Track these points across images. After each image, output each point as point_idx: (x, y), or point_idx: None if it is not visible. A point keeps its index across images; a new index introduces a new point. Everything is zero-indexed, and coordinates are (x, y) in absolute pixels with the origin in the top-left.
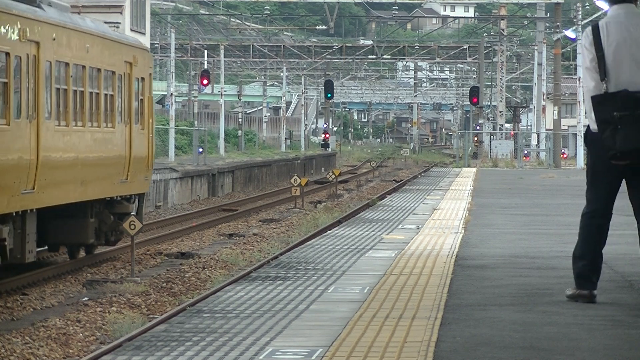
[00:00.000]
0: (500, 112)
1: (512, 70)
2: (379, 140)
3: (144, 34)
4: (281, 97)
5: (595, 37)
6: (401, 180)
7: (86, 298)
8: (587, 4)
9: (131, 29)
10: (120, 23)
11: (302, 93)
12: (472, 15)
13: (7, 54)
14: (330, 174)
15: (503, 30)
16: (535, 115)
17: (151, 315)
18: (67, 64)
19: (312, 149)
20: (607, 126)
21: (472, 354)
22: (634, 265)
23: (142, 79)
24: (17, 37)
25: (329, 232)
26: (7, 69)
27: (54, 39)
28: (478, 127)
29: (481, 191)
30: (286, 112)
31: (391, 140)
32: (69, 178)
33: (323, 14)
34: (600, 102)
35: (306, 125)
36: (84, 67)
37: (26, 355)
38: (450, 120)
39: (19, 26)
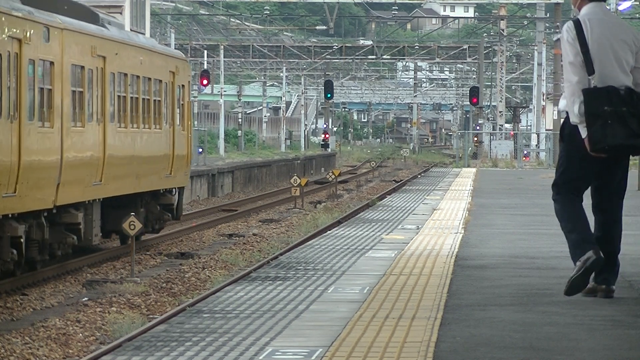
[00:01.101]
0: (500, 112)
1: (512, 71)
2: (378, 140)
3: (143, 34)
4: (281, 97)
5: (578, 32)
6: (401, 181)
7: (86, 298)
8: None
9: (131, 29)
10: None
11: (302, 93)
12: (472, 16)
13: (82, 67)
14: (330, 174)
15: (503, 30)
16: (535, 116)
17: (151, 316)
18: (125, 75)
19: (312, 149)
20: (597, 120)
21: (472, 354)
22: (634, 265)
23: (183, 86)
24: (90, 53)
25: (328, 232)
26: (82, 80)
27: (116, 54)
28: (478, 128)
29: (481, 191)
30: (286, 112)
31: (391, 140)
32: (127, 172)
33: (323, 14)
34: (591, 95)
35: (306, 125)
36: (138, 77)
37: (26, 355)
38: (450, 121)
39: (91, 44)
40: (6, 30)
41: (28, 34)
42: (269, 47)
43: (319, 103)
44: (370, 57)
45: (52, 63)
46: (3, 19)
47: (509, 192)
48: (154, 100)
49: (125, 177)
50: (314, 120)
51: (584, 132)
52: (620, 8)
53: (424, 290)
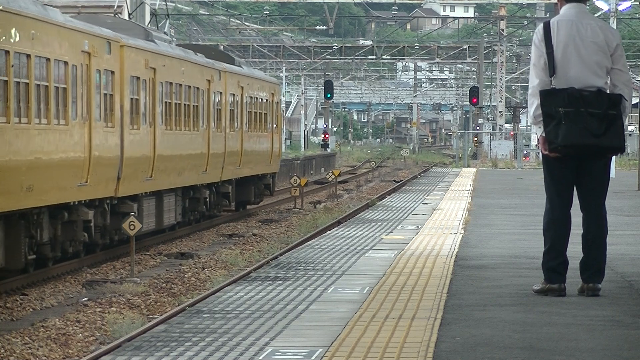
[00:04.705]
0: (500, 112)
1: (512, 71)
2: (378, 140)
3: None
4: (281, 98)
5: (546, 34)
6: (401, 181)
7: (86, 298)
8: (587, 4)
9: None
10: None
11: (302, 93)
12: (472, 16)
13: (233, 94)
14: (330, 174)
15: (503, 30)
16: None
17: (151, 316)
18: (251, 97)
19: (311, 149)
20: (551, 120)
21: (472, 354)
22: (634, 265)
23: (277, 102)
24: (236, 86)
25: (328, 232)
26: (234, 103)
27: (248, 84)
28: (478, 128)
29: (481, 191)
30: (286, 112)
31: (391, 140)
32: (250, 161)
33: (323, 14)
34: (547, 96)
35: (306, 125)
36: (257, 98)
37: (26, 355)
38: (449, 121)
39: (237, 80)
40: (204, 76)
41: (212, 76)
42: (269, 47)
43: (318, 103)
44: (370, 57)
45: (221, 93)
46: (204, 70)
47: (508, 192)
48: (264, 113)
49: (249, 164)
50: (314, 121)
51: (538, 132)
52: (620, 8)
53: (423, 291)
